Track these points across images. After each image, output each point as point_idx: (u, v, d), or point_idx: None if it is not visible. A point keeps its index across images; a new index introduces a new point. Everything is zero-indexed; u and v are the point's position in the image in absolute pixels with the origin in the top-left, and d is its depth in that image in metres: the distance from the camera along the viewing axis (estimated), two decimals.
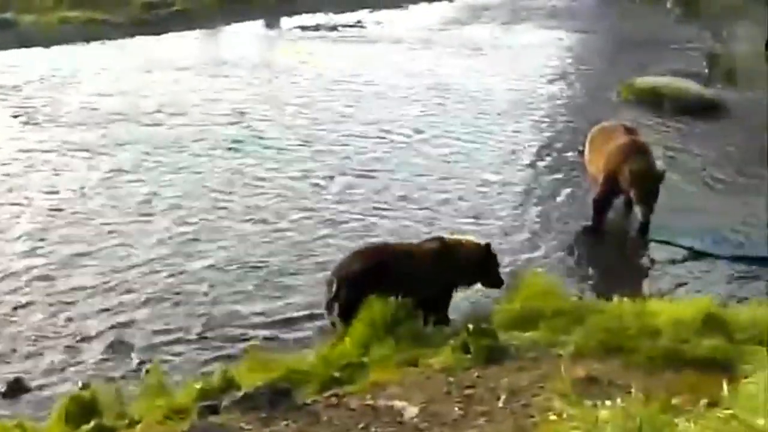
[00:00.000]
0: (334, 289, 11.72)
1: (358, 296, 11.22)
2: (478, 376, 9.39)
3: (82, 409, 9.65)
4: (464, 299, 12.53)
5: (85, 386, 10.73)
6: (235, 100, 22.13)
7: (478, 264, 12.27)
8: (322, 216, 16.11)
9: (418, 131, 20.40)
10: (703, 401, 8.06)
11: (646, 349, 9.57)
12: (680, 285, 13.75)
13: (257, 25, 30.45)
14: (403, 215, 16.23)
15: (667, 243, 15.05)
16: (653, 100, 22.42)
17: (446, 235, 12.84)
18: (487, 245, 12.38)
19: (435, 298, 11.98)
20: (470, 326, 10.17)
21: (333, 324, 11.84)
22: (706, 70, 23.06)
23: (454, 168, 18.41)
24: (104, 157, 18.44)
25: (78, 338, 12.28)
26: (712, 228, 15.60)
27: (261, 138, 19.72)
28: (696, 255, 14.78)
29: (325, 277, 12.32)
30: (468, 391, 9.10)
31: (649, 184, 15.02)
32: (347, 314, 11.27)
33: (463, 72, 25.17)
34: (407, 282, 11.56)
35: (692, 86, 22.80)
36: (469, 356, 9.78)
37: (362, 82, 23.79)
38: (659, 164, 15.95)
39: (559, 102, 23.09)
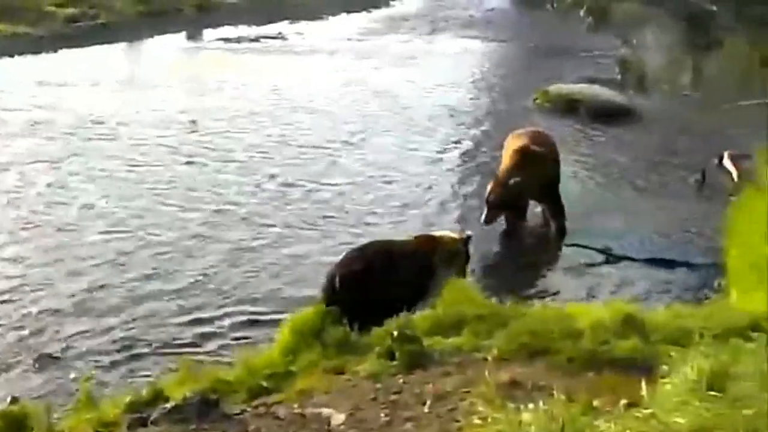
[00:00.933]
0: (336, 285, 11.73)
1: (357, 295, 11.35)
2: (403, 382, 9.36)
3: (11, 424, 9.48)
4: None
5: (14, 401, 10.53)
6: (162, 111, 21.95)
7: (463, 256, 12.61)
8: (259, 222, 16.08)
9: (347, 140, 20.39)
10: (623, 402, 8.12)
11: (568, 352, 9.60)
12: (598, 288, 13.85)
13: (180, 38, 30.28)
14: (337, 220, 16.31)
15: (584, 247, 15.12)
16: (568, 107, 22.61)
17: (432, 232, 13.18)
18: (469, 237, 12.76)
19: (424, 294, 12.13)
20: (395, 333, 10.13)
21: None
22: (619, 77, 23.27)
23: (384, 174, 18.42)
24: (33, 171, 18.16)
25: (7, 353, 12.05)
26: (628, 231, 15.73)
27: (194, 149, 19.56)
28: (612, 258, 14.88)
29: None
30: (394, 397, 9.06)
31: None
32: (345, 313, 11.20)
33: (386, 81, 25.20)
34: (405, 279, 11.83)
35: (606, 92, 23.01)
36: (394, 362, 9.75)
37: (286, 93, 23.73)
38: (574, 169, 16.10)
39: (478, 110, 23.19)
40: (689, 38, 16.68)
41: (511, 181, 15.30)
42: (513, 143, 16.14)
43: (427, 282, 12.17)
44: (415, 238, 12.81)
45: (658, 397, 7.90)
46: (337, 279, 11.79)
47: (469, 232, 13.17)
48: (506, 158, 15.89)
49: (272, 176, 18.18)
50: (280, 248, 15.12)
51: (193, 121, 21.14)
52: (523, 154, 15.71)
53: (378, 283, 11.69)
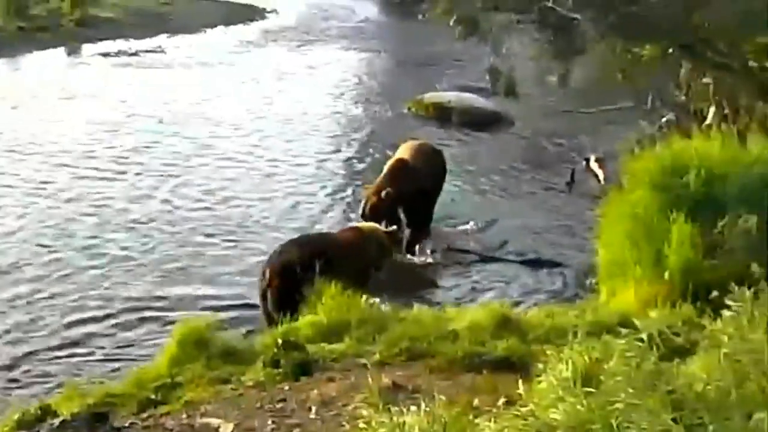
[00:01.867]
0: (267, 279, 11.67)
1: (293, 286, 11.49)
2: (289, 389, 9.33)
3: None
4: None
5: None
6: (45, 128, 21.55)
7: (389, 249, 13.09)
8: (146, 230, 16.03)
9: (225, 153, 20.29)
10: (502, 400, 8.21)
11: (447, 354, 9.68)
12: (475, 290, 14.00)
13: (59, 53, 29.77)
14: (216, 228, 16.28)
15: (460, 251, 15.27)
16: (441, 114, 22.80)
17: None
18: (393, 231, 13.22)
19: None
20: (280, 341, 10.12)
21: (268, 315, 11.89)
22: (489, 85, 23.57)
23: (267, 185, 18.39)
24: None
25: None
26: (502, 233, 15.92)
27: (76, 161, 19.27)
28: (488, 261, 15.04)
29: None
30: (280, 405, 9.03)
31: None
32: (282, 305, 11.38)
33: (264, 93, 25.13)
34: (338, 270, 11.88)
35: (477, 100, 23.26)
36: (279, 370, 9.72)
37: (166, 107, 23.47)
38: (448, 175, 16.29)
39: (353, 119, 23.26)
40: (555, 46, 16.88)
41: (383, 193, 15.37)
42: (396, 155, 16.29)
43: (361, 271, 12.52)
44: (347, 230, 13.30)
45: (534, 394, 8.01)
46: (270, 270, 12.02)
47: (393, 227, 13.51)
48: (385, 169, 16.00)
49: (156, 187, 18.04)
50: (168, 256, 15.14)
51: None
52: (397, 166, 15.85)
53: (314, 274, 11.82)
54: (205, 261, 14.99)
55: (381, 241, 13.05)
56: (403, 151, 16.35)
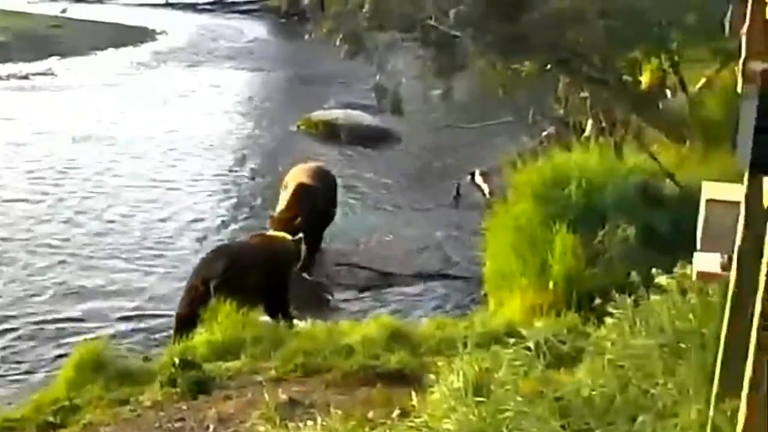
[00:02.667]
0: (202, 289, 12.04)
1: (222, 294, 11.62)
2: (187, 409, 9.24)
3: None
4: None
5: None
6: None
7: (298, 255, 13.33)
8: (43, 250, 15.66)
9: (127, 172, 20.05)
10: (396, 412, 8.23)
11: (341, 368, 9.67)
12: (367, 304, 14.01)
13: None
14: (101, 251, 15.94)
15: (352, 266, 15.27)
16: (330, 132, 22.80)
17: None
18: (301, 239, 13.43)
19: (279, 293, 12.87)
20: (176, 360, 10.01)
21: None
22: (376, 102, 23.63)
23: (162, 204, 18.22)
24: None
25: None
26: (392, 248, 15.96)
27: None
28: (379, 275, 15.06)
29: None
30: (178, 424, 8.94)
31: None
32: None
33: (157, 114, 24.83)
34: (260, 279, 12.45)
35: (364, 117, 23.28)
36: (177, 389, 9.61)
37: (57, 130, 23.02)
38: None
39: (244, 138, 23.12)
40: (438, 64, 17.00)
41: (297, 221, 15.34)
42: (292, 178, 16.27)
43: (277, 278, 12.80)
44: (260, 236, 13.56)
45: (428, 405, 8.04)
46: (199, 283, 12.20)
47: (300, 234, 13.62)
48: (286, 193, 15.94)
49: (54, 207, 17.78)
50: (69, 275, 14.95)
51: None
52: (299, 190, 15.83)
53: (238, 282, 12.07)
54: (105, 280, 14.79)
55: (291, 249, 13.28)
56: (301, 175, 16.37)
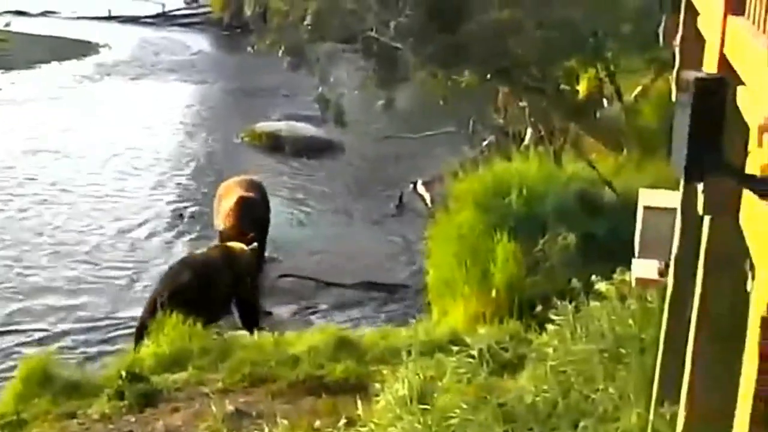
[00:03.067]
0: (164, 301, 12.06)
1: (187, 304, 11.70)
2: (135, 421, 9.17)
3: None
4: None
5: None
6: None
7: (254, 263, 13.73)
8: None
9: (67, 184, 19.83)
10: (342, 421, 8.22)
11: (287, 378, 9.64)
12: (312, 314, 13.96)
13: None
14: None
15: (296, 276, 15.21)
16: (274, 143, 22.73)
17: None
18: (255, 248, 13.83)
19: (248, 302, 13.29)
20: (123, 372, 9.93)
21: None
22: (319, 113, 23.59)
23: (102, 215, 18.04)
24: None
25: None
26: (336, 257, 15.92)
27: None
28: (323, 285, 15.01)
29: None
30: None
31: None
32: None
33: (101, 126, 24.57)
34: (225, 289, 12.79)
35: (308, 128, 23.21)
36: (124, 402, 9.53)
37: (2, 144, 22.76)
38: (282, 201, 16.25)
39: (188, 150, 22.97)
40: (379, 75, 17.04)
41: (229, 229, 15.29)
42: (226, 190, 16.16)
43: (243, 287, 13.15)
44: (220, 248, 13.68)
45: (373, 414, 8.03)
46: (165, 294, 12.23)
47: (255, 244, 13.95)
48: (224, 205, 15.80)
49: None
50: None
51: None
52: (241, 203, 15.72)
53: (204, 293, 12.32)
54: (39, 292, 14.66)
55: (248, 259, 13.50)
56: (235, 187, 16.27)
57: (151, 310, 12.28)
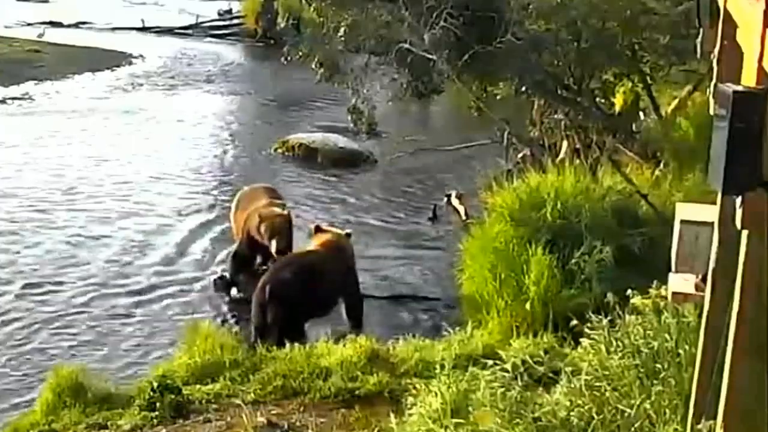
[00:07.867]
0: (267, 294, 12.58)
1: (293, 313, 12.45)
2: None
3: None
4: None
5: None
6: None
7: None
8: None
9: (104, 195, 19.94)
10: None
11: (319, 391, 9.67)
12: (344, 326, 13.95)
13: None
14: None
15: None
16: (307, 155, 22.82)
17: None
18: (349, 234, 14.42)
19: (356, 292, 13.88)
20: (155, 383, 9.98)
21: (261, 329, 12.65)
22: (352, 125, 23.69)
23: (141, 225, 18.17)
24: None
25: None
26: (369, 269, 15.91)
27: None
28: None
29: None
30: None
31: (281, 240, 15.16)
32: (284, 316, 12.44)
33: (135, 137, 24.77)
34: (331, 277, 13.34)
35: (341, 140, 23.29)
36: (156, 413, 9.59)
37: (35, 156, 22.92)
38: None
39: (222, 162, 23.07)
40: (413, 87, 17.10)
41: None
42: (251, 199, 16.12)
43: (346, 277, 13.62)
44: (325, 236, 13.94)
45: (406, 427, 8.03)
46: (269, 288, 12.64)
47: (348, 230, 14.62)
48: (251, 216, 15.74)
49: (35, 231, 17.66)
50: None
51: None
52: (272, 208, 15.71)
53: (308, 286, 12.79)
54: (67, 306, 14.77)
55: (350, 247, 14.10)
56: (257, 194, 16.22)
57: (260, 314, 12.69)
